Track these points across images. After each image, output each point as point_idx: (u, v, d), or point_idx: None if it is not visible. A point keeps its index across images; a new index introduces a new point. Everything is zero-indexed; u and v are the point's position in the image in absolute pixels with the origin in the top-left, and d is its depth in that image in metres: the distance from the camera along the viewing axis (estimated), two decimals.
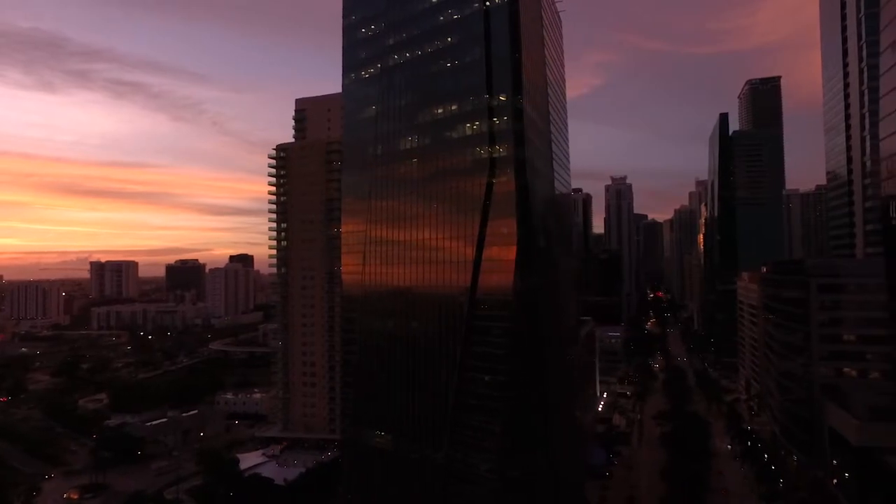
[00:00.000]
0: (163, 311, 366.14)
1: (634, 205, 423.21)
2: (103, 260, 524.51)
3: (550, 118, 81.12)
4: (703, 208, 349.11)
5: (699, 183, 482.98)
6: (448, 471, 67.20)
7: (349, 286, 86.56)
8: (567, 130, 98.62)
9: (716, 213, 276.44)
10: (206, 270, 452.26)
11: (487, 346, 65.03)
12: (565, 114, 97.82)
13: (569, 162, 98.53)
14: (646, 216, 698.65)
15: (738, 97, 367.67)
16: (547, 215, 75.03)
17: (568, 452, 78.57)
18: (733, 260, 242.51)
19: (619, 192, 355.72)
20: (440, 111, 71.56)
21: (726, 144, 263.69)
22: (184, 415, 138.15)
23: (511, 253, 62.65)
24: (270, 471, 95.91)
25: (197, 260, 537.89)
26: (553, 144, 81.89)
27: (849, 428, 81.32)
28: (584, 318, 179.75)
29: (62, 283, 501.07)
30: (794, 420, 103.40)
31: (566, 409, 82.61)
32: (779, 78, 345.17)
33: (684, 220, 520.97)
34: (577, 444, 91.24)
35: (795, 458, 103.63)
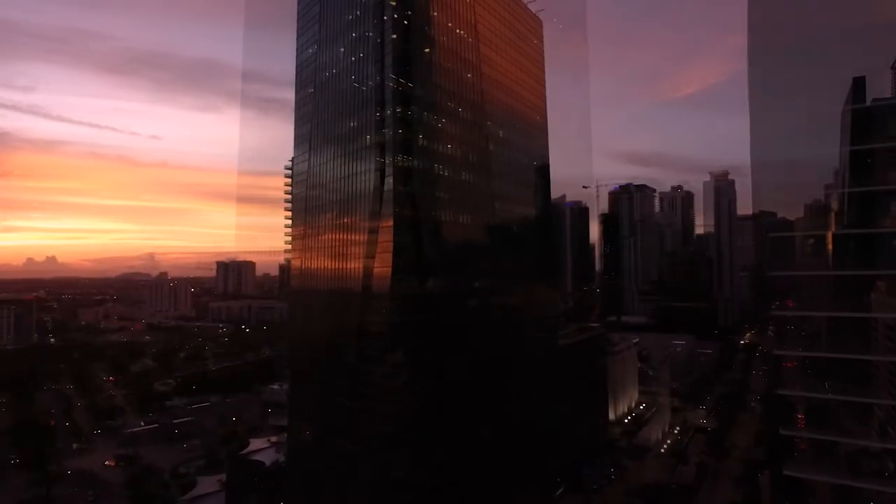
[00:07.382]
0: (264, 307, 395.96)
1: (767, 201, 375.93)
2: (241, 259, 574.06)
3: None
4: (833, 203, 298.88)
5: (837, 173, 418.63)
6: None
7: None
8: None
9: (845, 208, 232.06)
10: None
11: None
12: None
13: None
14: (774, 214, 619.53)
15: (892, 67, 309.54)
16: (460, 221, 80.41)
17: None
18: (870, 266, 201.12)
19: (719, 190, 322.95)
20: (352, 124, 76.00)
21: (861, 118, 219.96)
22: (226, 401, 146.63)
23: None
24: (267, 455, 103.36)
25: None
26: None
27: None
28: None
29: (192, 281, 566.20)
30: None
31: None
32: None
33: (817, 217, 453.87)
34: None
35: None
